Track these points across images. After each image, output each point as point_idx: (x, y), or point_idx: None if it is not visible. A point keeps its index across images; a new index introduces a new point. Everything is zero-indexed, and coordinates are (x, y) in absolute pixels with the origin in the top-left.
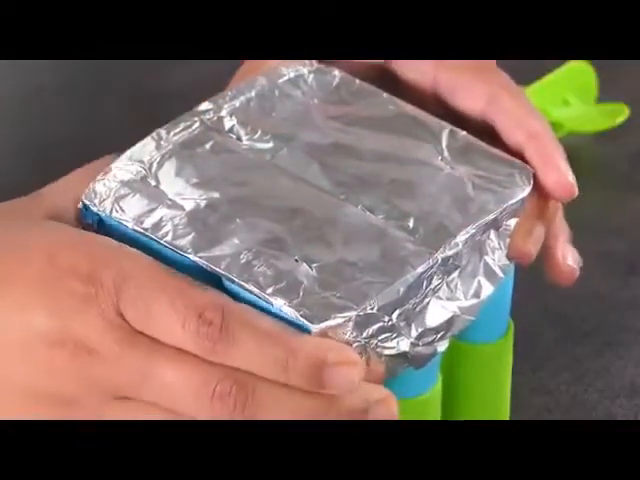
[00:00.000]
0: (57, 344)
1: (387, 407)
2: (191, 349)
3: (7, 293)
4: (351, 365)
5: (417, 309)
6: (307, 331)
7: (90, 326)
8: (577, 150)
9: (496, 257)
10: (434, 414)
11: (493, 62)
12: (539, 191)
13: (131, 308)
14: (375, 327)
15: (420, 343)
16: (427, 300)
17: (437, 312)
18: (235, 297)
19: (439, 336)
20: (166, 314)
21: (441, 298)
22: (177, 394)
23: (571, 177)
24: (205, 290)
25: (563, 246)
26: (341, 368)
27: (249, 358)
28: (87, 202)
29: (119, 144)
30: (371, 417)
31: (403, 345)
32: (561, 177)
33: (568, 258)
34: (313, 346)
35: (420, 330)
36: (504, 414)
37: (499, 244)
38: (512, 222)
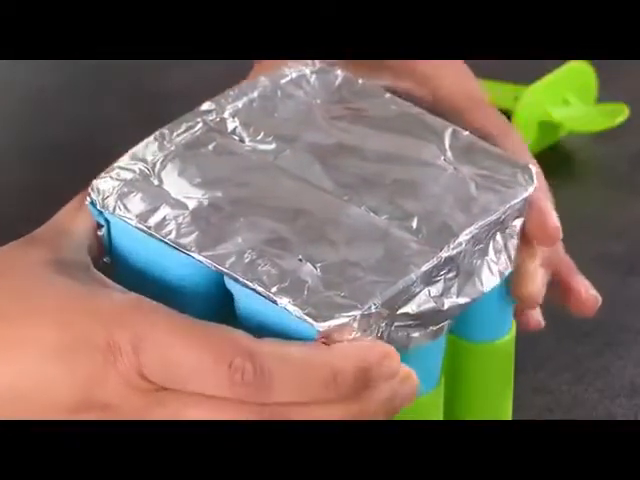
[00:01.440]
0: (83, 412)
1: (410, 384)
2: (229, 396)
3: (26, 360)
4: (390, 355)
5: (407, 297)
6: (312, 330)
7: (113, 393)
8: (577, 150)
9: (498, 259)
10: (436, 414)
11: (484, 94)
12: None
13: (154, 369)
14: (381, 325)
15: (393, 326)
16: (418, 290)
17: (421, 301)
18: (238, 296)
19: (415, 324)
20: (195, 371)
21: (434, 292)
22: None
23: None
24: (226, 332)
25: (581, 279)
26: (383, 364)
27: (295, 391)
28: (92, 199)
29: (119, 144)
30: (399, 401)
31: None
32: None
33: (589, 288)
34: (355, 354)
35: (398, 314)
36: (506, 413)
37: (504, 245)
38: (517, 223)
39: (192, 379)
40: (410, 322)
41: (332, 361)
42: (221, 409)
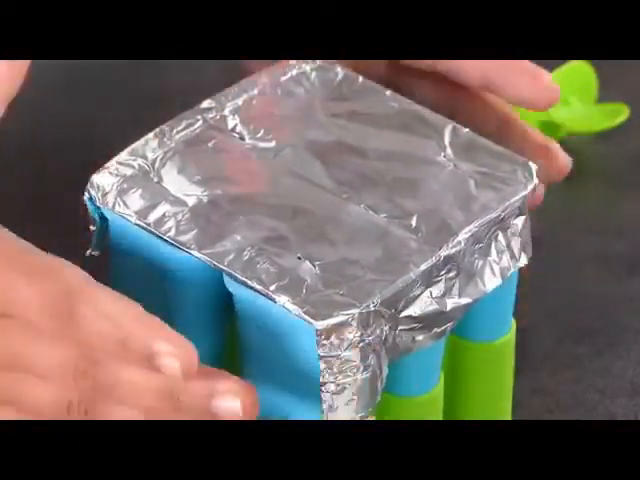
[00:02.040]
0: None
1: (232, 399)
2: (49, 330)
3: None
4: (176, 356)
5: (408, 300)
6: (311, 328)
7: None
8: (577, 150)
9: (500, 259)
10: (436, 413)
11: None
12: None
13: None
14: (385, 329)
15: (397, 330)
16: (418, 292)
17: (424, 304)
18: (237, 294)
19: (419, 327)
20: (22, 300)
21: (436, 293)
22: (43, 369)
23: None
24: (54, 273)
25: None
26: (167, 358)
27: (94, 337)
28: (91, 194)
29: (119, 144)
30: (213, 404)
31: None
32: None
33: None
34: (145, 332)
35: (401, 317)
36: (506, 413)
37: (507, 245)
38: (518, 221)
39: (23, 307)
40: (414, 325)
41: (125, 327)
42: (50, 348)
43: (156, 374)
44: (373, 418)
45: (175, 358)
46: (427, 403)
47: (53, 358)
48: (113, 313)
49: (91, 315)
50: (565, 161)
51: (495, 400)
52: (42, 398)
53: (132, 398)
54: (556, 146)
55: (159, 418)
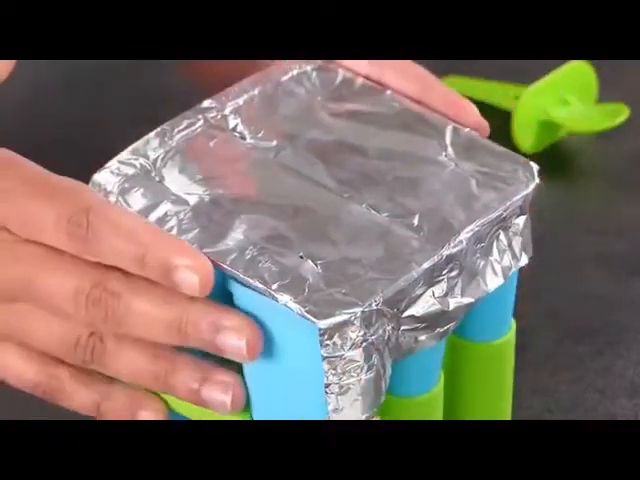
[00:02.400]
0: None
1: (238, 338)
2: (67, 249)
3: None
4: (195, 270)
5: (411, 299)
6: (313, 327)
7: None
8: (577, 150)
9: (502, 259)
10: (437, 413)
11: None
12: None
13: (11, 219)
14: (388, 329)
15: (400, 330)
16: (421, 292)
17: (426, 304)
18: (239, 293)
19: (422, 326)
20: (41, 220)
21: (438, 292)
22: (57, 297)
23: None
24: (74, 194)
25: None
26: (185, 272)
27: (112, 253)
28: None
29: (119, 144)
30: (218, 340)
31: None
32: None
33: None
34: (164, 246)
35: (404, 317)
36: (506, 413)
37: (509, 245)
38: (520, 221)
39: (39, 228)
40: (417, 325)
41: (144, 241)
42: (66, 273)
43: (167, 305)
44: (378, 418)
45: (194, 272)
46: (427, 403)
47: (67, 288)
48: (132, 229)
49: (110, 231)
50: (479, 121)
51: (495, 400)
52: (51, 333)
53: (141, 331)
54: (472, 107)
55: (163, 363)
